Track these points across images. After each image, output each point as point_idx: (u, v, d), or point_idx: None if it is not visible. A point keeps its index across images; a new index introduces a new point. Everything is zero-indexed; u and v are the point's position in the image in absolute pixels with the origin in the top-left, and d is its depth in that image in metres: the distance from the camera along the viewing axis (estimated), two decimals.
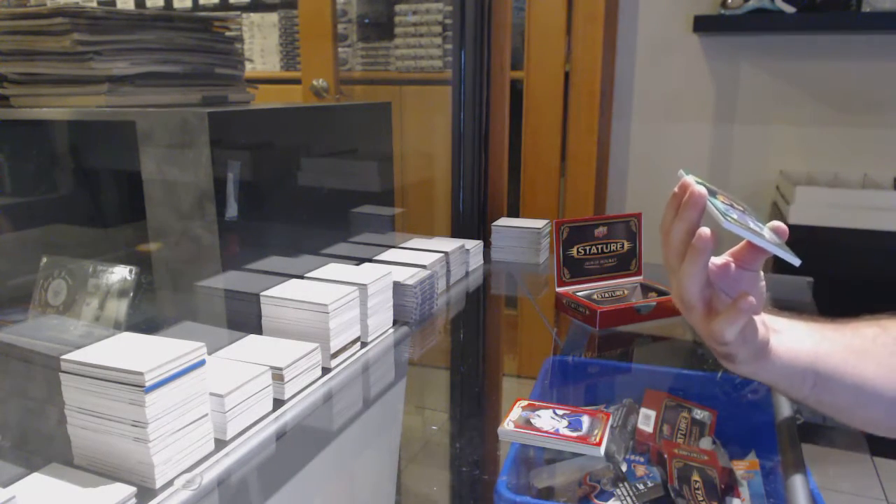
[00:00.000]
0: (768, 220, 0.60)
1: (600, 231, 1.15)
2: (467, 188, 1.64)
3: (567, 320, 1.11)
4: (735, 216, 0.55)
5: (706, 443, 0.78)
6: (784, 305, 1.14)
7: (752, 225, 0.56)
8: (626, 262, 1.17)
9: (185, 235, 0.87)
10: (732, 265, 0.60)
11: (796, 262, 0.55)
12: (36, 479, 0.60)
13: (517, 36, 1.99)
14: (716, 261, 0.59)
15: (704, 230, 0.54)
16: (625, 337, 1.06)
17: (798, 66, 1.89)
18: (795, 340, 0.61)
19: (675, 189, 0.56)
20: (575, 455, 0.72)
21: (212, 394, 0.69)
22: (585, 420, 0.73)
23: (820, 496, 0.64)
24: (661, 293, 1.11)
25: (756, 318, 0.58)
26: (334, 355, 0.89)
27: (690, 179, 0.56)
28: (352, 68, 2.40)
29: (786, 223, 1.67)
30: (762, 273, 0.60)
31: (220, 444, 0.69)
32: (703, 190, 0.54)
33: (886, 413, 0.61)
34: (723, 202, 0.57)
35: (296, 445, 0.75)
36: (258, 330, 0.92)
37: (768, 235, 0.57)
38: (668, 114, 2.03)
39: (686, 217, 0.55)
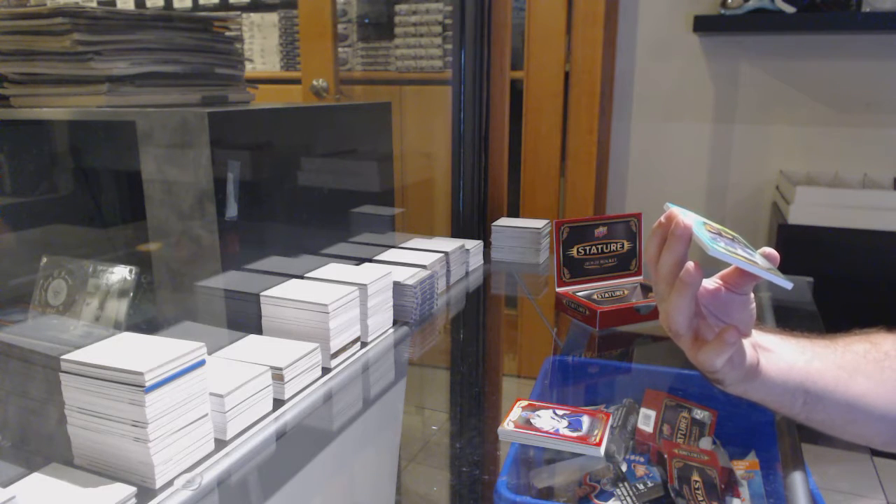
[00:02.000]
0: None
1: (600, 231, 1.15)
2: (467, 188, 1.64)
3: (567, 320, 1.11)
4: (722, 245, 0.55)
5: (706, 443, 0.78)
6: (784, 306, 1.14)
7: (740, 252, 0.56)
8: (626, 262, 1.17)
9: (185, 235, 0.87)
10: (723, 289, 0.60)
11: (788, 285, 0.55)
12: (36, 479, 0.60)
13: (517, 36, 1.99)
14: (706, 284, 0.60)
15: (691, 264, 0.55)
16: (625, 337, 1.06)
17: (798, 66, 1.89)
18: (786, 359, 0.61)
19: (662, 219, 0.57)
20: (575, 455, 0.72)
21: (212, 394, 0.69)
22: (585, 420, 0.73)
23: (820, 496, 0.64)
24: None
25: (745, 340, 0.59)
26: (334, 355, 0.89)
27: (677, 210, 0.56)
28: (352, 68, 2.40)
29: (786, 223, 1.67)
30: (752, 296, 0.61)
31: (220, 444, 0.70)
32: (688, 222, 0.55)
33: (880, 428, 0.62)
34: (709, 231, 0.57)
35: (296, 445, 0.75)
36: (258, 330, 0.92)
37: (760, 262, 0.57)
38: (668, 114, 2.04)
39: (673, 249, 0.56)
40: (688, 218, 0.55)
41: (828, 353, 0.63)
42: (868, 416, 0.61)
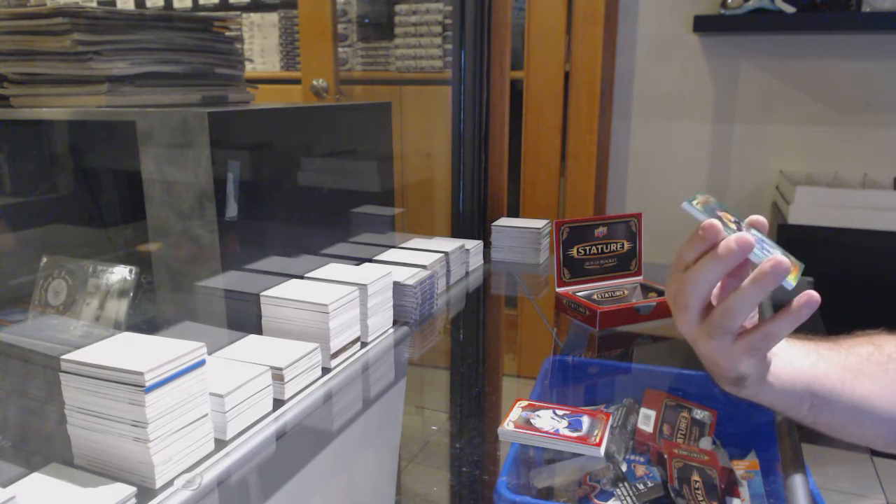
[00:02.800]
0: (769, 221, 0.60)
1: (600, 231, 1.15)
2: (467, 188, 1.64)
3: (567, 320, 1.11)
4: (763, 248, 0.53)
5: (706, 443, 0.78)
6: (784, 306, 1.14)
7: (774, 250, 0.55)
8: (626, 263, 1.17)
9: (185, 235, 0.87)
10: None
11: (789, 286, 0.54)
12: (36, 479, 0.60)
13: (517, 36, 1.99)
14: None
15: (772, 263, 0.52)
16: (625, 337, 1.06)
17: (798, 66, 1.89)
18: (792, 363, 0.61)
19: (699, 232, 0.54)
20: (575, 455, 0.72)
21: (212, 394, 0.69)
22: (585, 420, 0.73)
23: (820, 496, 0.64)
24: (660, 293, 1.11)
25: None
26: (334, 355, 0.89)
27: (699, 210, 0.54)
28: (352, 68, 2.40)
29: (786, 223, 1.67)
30: None
31: (220, 444, 0.69)
32: (751, 238, 0.52)
33: (884, 430, 0.62)
34: (732, 225, 0.55)
35: (296, 445, 0.75)
36: (258, 330, 0.92)
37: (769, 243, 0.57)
38: (668, 114, 2.04)
39: (728, 264, 0.53)
40: (744, 234, 0.53)
41: (832, 355, 0.63)
42: (872, 418, 0.61)
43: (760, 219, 0.59)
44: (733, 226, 0.56)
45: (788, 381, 0.60)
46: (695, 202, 0.56)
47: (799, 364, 0.61)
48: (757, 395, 0.61)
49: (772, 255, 0.53)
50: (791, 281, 0.54)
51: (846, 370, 0.62)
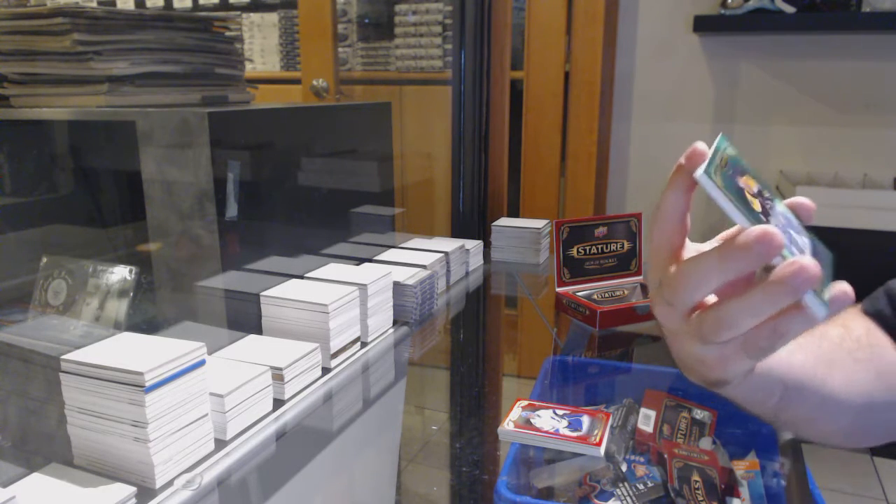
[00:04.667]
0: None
1: (600, 231, 1.15)
2: (467, 188, 1.64)
3: (567, 320, 1.11)
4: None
5: (706, 443, 0.78)
6: None
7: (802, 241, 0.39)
8: (627, 262, 1.17)
9: (185, 235, 0.87)
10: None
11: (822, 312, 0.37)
12: (36, 479, 0.60)
13: (517, 36, 1.99)
14: (701, 247, 0.46)
15: (794, 268, 0.35)
16: (625, 337, 1.06)
17: (798, 66, 1.89)
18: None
19: (755, 241, 0.35)
20: (575, 455, 0.72)
21: (212, 394, 0.69)
22: (585, 420, 0.73)
23: (820, 496, 0.64)
24: None
25: None
26: (334, 355, 0.89)
27: (718, 188, 0.36)
28: (352, 68, 2.40)
29: None
30: None
31: (220, 444, 0.69)
32: (779, 236, 0.35)
33: (844, 422, 0.58)
34: (756, 203, 0.38)
35: (296, 445, 0.75)
36: (258, 330, 0.92)
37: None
38: (668, 114, 2.04)
39: (739, 268, 0.37)
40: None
41: (807, 343, 0.57)
42: (838, 408, 0.56)
43: (805, 202, 0.42)
44: (757, 204, 0.38)
45: (764, 374, 0.52)
46: (712, 169, 0.38)
47: (776, 354, 0.50)
48: (732, 390, 0.51)
49: (795, 258, 0.35)
50: (817, 301, 0.35)
51: (820, 360, 0.56)
